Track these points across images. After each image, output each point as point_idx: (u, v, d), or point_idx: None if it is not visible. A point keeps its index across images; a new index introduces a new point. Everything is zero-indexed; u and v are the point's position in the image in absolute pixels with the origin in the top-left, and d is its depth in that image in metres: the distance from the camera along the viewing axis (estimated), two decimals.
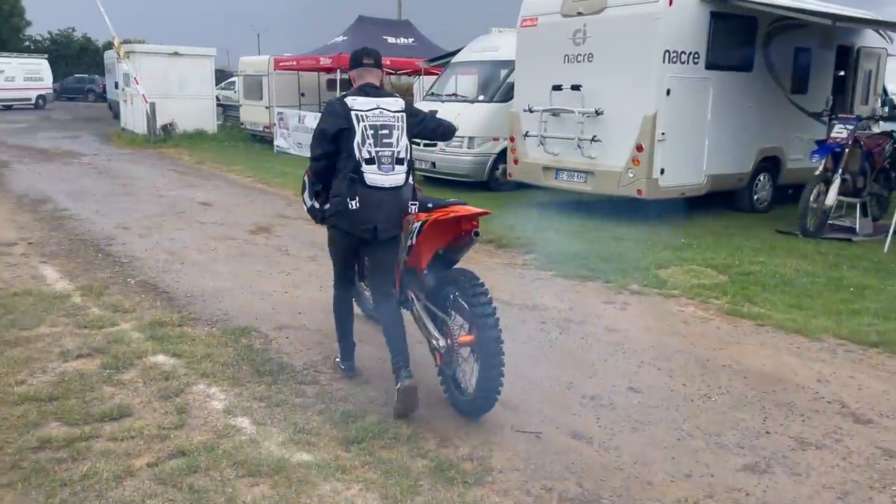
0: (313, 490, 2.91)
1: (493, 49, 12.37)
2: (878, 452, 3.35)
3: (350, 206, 3.63)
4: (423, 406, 3.66)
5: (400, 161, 3.70)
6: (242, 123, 21.23)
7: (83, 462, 3.06)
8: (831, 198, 8.18)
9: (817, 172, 8.34)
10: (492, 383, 3.44)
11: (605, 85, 8.80)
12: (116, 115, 25.49)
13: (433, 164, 11.83)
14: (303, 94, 19.44)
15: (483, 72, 12.45)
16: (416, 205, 3.77)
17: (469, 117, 11.60)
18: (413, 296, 3.91)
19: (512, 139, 10.27)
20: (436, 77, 15.20)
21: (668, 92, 8.42)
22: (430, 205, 3.82)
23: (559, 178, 9.62)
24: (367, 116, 3.65)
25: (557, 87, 9.25)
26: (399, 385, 3.53)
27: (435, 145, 11.73)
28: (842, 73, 10.78)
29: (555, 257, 7.10)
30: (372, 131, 3.64)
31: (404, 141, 3.74)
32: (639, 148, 8.50)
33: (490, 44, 12.58)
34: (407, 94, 25.92)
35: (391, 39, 17.75)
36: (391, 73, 19.23)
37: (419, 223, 3.70)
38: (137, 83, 20.14)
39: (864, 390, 4.06)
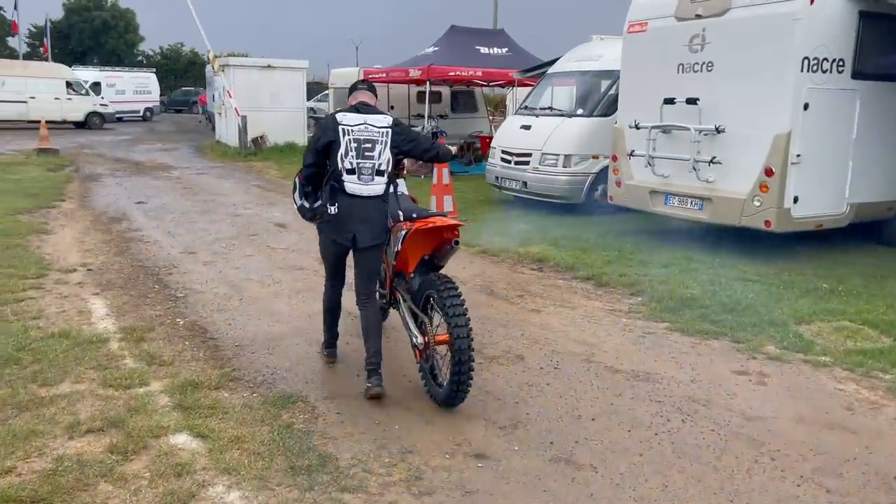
0: None
1: (594, 58, 11.26)
2: None
3: (329, 211, 4.05)
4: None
5: (380, 173, 4.05)
6: None
7: None
8: None
9: None
10: (463, 377, 3.79)
11: (727, 98, 7.57)
12: (214, 128, 25.95)
13: (524, 183, 10.83)
14: (391, 107, 18.86)
15: (582, 83, 11.36)
16: (400, 213, 4.21)
17: (565, 133, 10.55)
18: (400, 297, 4.37)
19: (615, 158, 9.14)
20: (530, 89, 14.26)
21: (806, 106, 7.10)
22: (414, 215, 4.16)
23: (669, 204, 8.42)
24: (352, 130, 4.02)
25: (670, 101, 8.07)
26: (367, 390, 4.03)
27: (527, 162, 10.77)
28: None
29: (667, 303, 5.96)
30: (355, 144, 4.01)
31: (386, 154, 4.05)
32: (768, 172, 7.22)
33: (591, 53, 11.48)
34: (499, 106, 25.09)
35: (484, 49, 16.91)
36: (483, 85, 18.40)
37: (405, 231, 4.10)
38: (231, 96, 20.20)
39: None
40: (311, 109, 26.72)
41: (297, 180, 4.32)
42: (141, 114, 38.45)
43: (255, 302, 5.97)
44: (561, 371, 4.56)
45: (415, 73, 15.64)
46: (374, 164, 4.02)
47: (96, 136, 26.16)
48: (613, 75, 10.60)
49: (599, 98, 10.68)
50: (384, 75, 17.21)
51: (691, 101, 7.83)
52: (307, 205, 4.26)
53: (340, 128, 4.03)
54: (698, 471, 3.33)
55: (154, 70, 44.61)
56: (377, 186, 4.04)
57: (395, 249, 4.26)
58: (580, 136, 10.48)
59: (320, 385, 4.23)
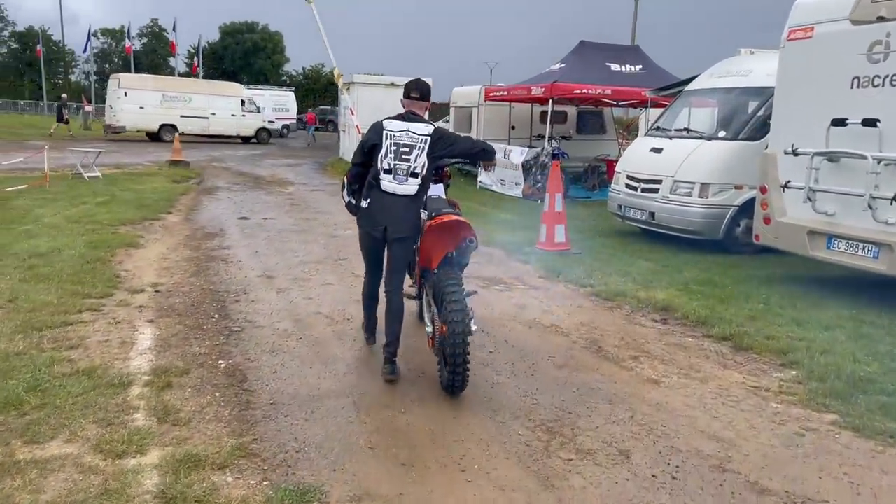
0: None
1: (741, 74, 9.74)
2: None
3: (363, 204, 4.52)
4: None
5: (414, 175, 4.39)
6: None
7: None
8: None
9: None
10: (457, 365, 4.08)
11: None
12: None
13: (651, 214, 9.46)
14: (513, 127, 17.94)
15: (726, 102, 9.85)
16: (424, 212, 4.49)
17: (703, 158, 9.11)
18: (425, 291, 4.70)
19: (763, 190, 7.63)
20: (663, 109, 12.84)
21: None
22: (433, 213, 4.42)
23: (833, 249, 6.82)
24: (394, 135, 4.41)
25: (839, 122, 6.54)
26: (384, 374, 4.46)
27: (655, 190, 9.40)
28: None
29: (833, 384, 4.52)
30: (395, 147, 4.38)
31: (422, 159, 4.39)
32: None
33: (738, 68, 9.95)
34: (629, 128, 23.43)
35: (615, 66, 15.59)
36: (612, 104, 17.02)
37: (426, 229, 4.40)
38: (353, 114, 20.04)
39: None
40: None
41: (345, 179, 4.79)
42: (279, 130, 39.87)
43: (313, 344, 5.12)
44: (681, 484, 3.31)
45: (537, 91, 14.60)
46: (410, 166, 4.41)
47: (230, 150, 27.06)
48: (765, 93, 9.07)
49: (747, 119, 9.15)
50: (506, 93, 16.29)
51: (869, 123, 6.26)
52: (353, 201, 4.75)
53: (384, 132, 4.46)
54: None
55: (293, 89, 46.36)
56: (410, 186, 4.43)
57: (417, 246, 4.63)
58: (721, 162, 9.00)
59: (350, 477, 3.24)
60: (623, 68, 15.58)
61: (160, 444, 3.44)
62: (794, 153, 6.97)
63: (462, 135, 4.75)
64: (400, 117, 4.54)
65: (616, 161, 17.23)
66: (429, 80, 17.66)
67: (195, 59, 47.28)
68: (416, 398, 4.19)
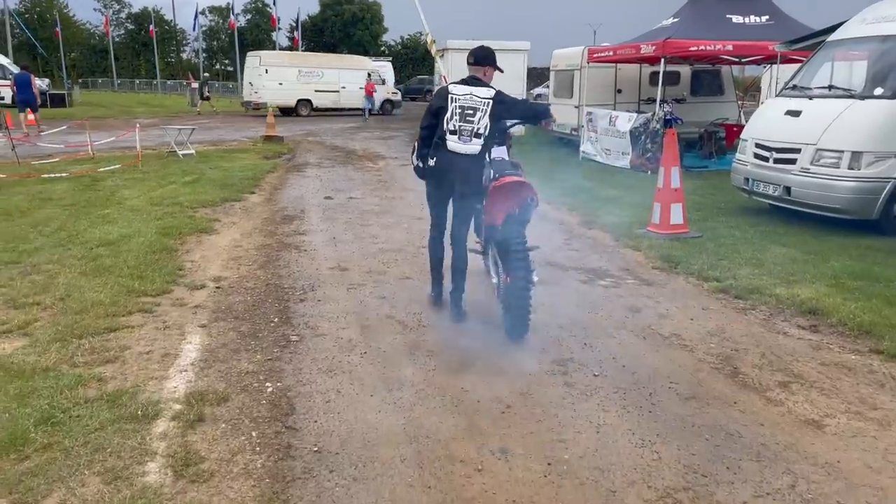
0: None
1: None
2: None
3: (430, 163, 4.85)
4: None
5: (478, 135, 4.69)
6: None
7: None
8: None
9: None
10: (521, 311, 4.45)
11: None
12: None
13: (786, 189, 8.03)
14: (619, 91, 16.45)
15: (884, 52, 8.18)
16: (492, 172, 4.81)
17: (854, 121, 7.58)
18: (491, 247, 5.11)
19: None
20: (798, 66, 11.16)
21: None
22: (497, 174, 4.77)
23: None
24: (458, 98, 4.71)
25: None
26: (452, 318, 4.95)
27: (793, 161, 7.96)
28: None
29: None
30: (459, 110, 4.70)
31: (485, 121, 4.68)
32: None
33: (893, 11, 8.23)
34: (748, 90, 21.20)
35: (737, 18, 13.79)
36: (734, 62, 15.19)
37: (490, 189, 4.73)
38: (446, 82, 19.10)
39: None
40: (538, 96, 24.98)
41: (416, 144, 5.05)
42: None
43: (379, 360, 4.29)
44: None
45: (647, 50, 13.10)
46: (474, 127, 4.67)
47: (327, 124, 26.81)
48: None
49: None
50: (611, 53, 14.83)
51: None
52: (421, 164, 5.00)
53: (450, 96, 4.72)
54: None
55: (391, 59, 45.85)
56: (474, 146, 4.70)
57: (484, 204, 4.87)
58: (878, 126, 7.45)
59: None
60: (746, 20, 13.77)
61: None
62: None
63: (520, 98, 5.19)
64: (464, 82, 4.84)
65: (736, 126, 15.49)
66: (526, 44, 16.50)
67: (295, 33, 47.57)
68: (496, 449, 3.28)
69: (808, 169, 7.80)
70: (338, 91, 31.64)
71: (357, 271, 6.32)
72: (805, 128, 7.97)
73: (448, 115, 4.71)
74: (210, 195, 9.97)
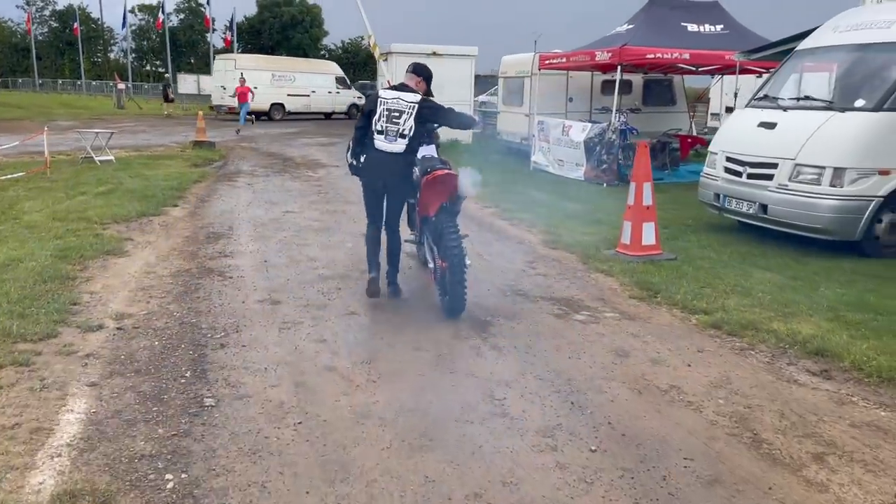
0: None
1: (880, 26, 7.57)
2: None
3: (361, 161, 5.38)
4: None
5: (403, 136, 5.14)
6: (499, 133, 18.27)
7: None
8: None
9: None
10: (458, 291, 4.95)
11: None
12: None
13: (762, 206, 7.46)
14: (570, 99, 15.87)
15: (859, 63, 7.71)
16: (416, 168, 5.36)
17: (835, 135, 7.06)
18: (426, 235, 5.59)
19: None
20: (761, 75, 10.78)
21: None
22: (428, 169, 5.20)
23: None
24: (387, 101, 5.18)
25: None
26: (389, 294, 5.51)
27: (768, 176, 7.40)
28: None
29: None
30: (387, 113, 5.15)
31: (410, 123, 5.12)
32: None
33: (873, 19, 7.78)
34: (699, 100, 20.99)
35: (692, 27, 13.39)
36: (690, 71, 14.78)
37: (422, 183, 5.20)
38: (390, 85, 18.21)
39: None
40: (482, 104, 24.32)
41: (350, 143, 5.50)
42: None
43: (318, 434, 3.36)
44: None
45: (603, 57, 12.52)
46: (399, 128, 5.14)
47: (262, 129, 25.48)
48: None
49: (894, 84, 7.03)
50: (564, 60, 14.23)
51: None
52: (354, 162, 5.49)
53: (379, 100, 5.24)
54: None
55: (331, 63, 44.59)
56: (399, 146, 5.16)
57: (418, 197, 5.39)
58: (861, 140, 6.95)
59: None
60: (701, 28, 13.38)
61: None
62: None
63: (446, 107, 5.41)
64: (394, 88, 5.34)
65: (690, 137, 15.12)
66: (473, 50, 15.73)
67: (228, 34, 45.85)
68: None
69: (786, 185, 7.23)
70: (308, 95, 31.66)
71: (291, 305, 5.35)
72: (781, 141, 7.41)
73: (377, 116, 5.18)
74: (125, 209, 8.80)
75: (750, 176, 7.67)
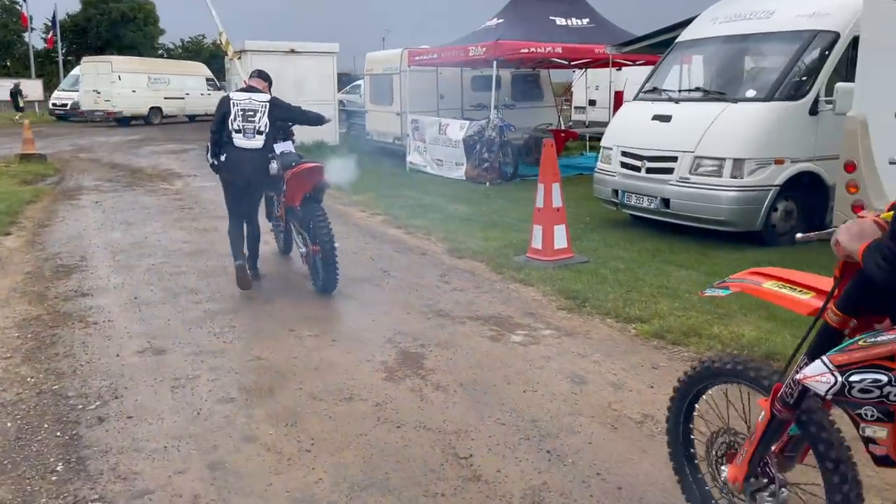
0: None
1: (760, 16, 7.68)
2: None
3: (222, 159, 5.66)
4: None
5: (260, 133, 5.59)
6: (368, 133, 17.54)
7: None
8: None
9: None
10: (331, 270, 5.53)
11: None
12: None
13: (665, 201, 7.35)
14: (441, 97, 15.46)
15: (745, 53, 7.82)
16: (278, 163, 5.71)
17: (733, 125, 7.05)
18: (293, 224, 6.07)
19: (851, 167, 5.63)
20: (619, 68, 10.88)
21: None
22: (293, 163, 5.73)
23: None
24: (239, 103, 5.60)
25: None
26: (250, 272, 5.88)
27: (668, 171, 7.30)
28: None
29: None
30: (241, 113, 5.57)
31: (265, 120, 5.60)
32: None
33: (754, 8, 7.87)
34: (566, 93, 21.28)
35: (560, 20, 13.40)
36: (563, 65, 14.80)
37: (288, 176, 5.69)
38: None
39: None
40: (341, 103, 23.41)
41: (209, 145, 5.81)
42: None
43: None
44: None
45: (477, 52, 12.17)
46: (255, 126, 5.59)
47: (102, 137, 23.09)
48: (800, 38, 7.17)
49: (783, 73, 7.12)
50: (435, 56, 13.77)
51: None
52: (215, 162, 5.77)
53: (232, 102, 5.63)
54: None
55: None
56: (257, 142, 5.60)
57: (283, 188, 5.84)
58: (757, 131, 6.97)
59: None
60: (569, 22, 13.42)
61: None
62: None
63: (293, 105, 6.00)
64: (242, 90, 5.76)
65: (563, 131, 15.17)
66: (335, 46, 14.84)
67: (50, 32, 41.55)
68: None
69: (688, 178, 7.15)
70: (183, 98, 30.35)
71: (180, 353, 4.43)
72: (679, 134, 7.33)
73: (232, 117, 5.58)
74: None
75: (649, 170, 7.55)
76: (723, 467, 2.36)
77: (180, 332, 4.82)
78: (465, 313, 5.24)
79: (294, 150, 6.25)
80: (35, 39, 48.39)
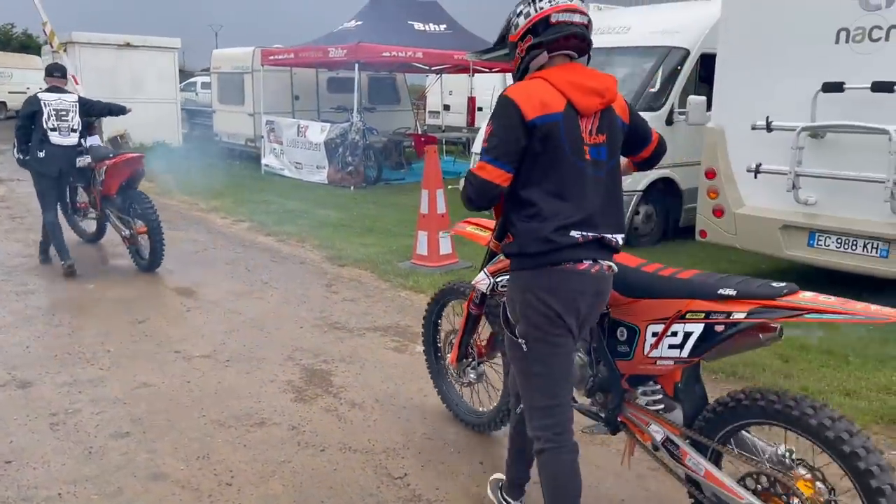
0: None
1: (617, 31, 8.20)
2: None
3: (39, 155, 6.06)
4: None
5: (74, 130, 6.18)
6: (217, 135, 16.64)
7: None
8: None
9: None
10: (158, 249, 6.18)
11: None
12: None
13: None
14: (297, 97, 15.02)
15: (607, 66, 8.24)
16: (89, 157, 6.35)
17: None
18: (110, 211, 6.51)
19: (711, 174, 6.11)
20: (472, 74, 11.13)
21: None
22: (111, 155, 6.41)
23: (817, 246, 5.50)
24: (51, 103, 6.08)
25: (834, 88, 5.13)
26: (64, 264, 6.15)
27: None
28: None
29: None
30: (55, 112, 6.07)
31: (77, 119, 6.19)
32: None
33: (610, 24, 8.37)
34: (419, 98, 21.37)
35: (418, 25, 13.44)
36: (423, 70, 14.85)
37: (105, 167, 6.29)
38: (77, 83, 15.44)
39: None
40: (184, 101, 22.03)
41: (15, 141, 6.27)
42: None
43: None
44: None
45: (337, 53, 11.91)
46: (70, 124, 6.15)
47: None
48: (655, 53, 7.72)
49: (642, 85, 7.61)
50: (291, 56, 13.33)
51: (883, 88, 4.91)
52: (23, 157, 6.22)
53: (42, 102, 6.09)
54: None
55: None
56: (72, 139, 6.18)
57: (101, 179, 6.37)
58: None
59: None
60: (427, 27, 13.50)
61: None
62: (769, 129, 5.47)
63: (96, 100, 6.63)
64: (50, 91, 6.23)
65: (423, 135, 15.24)
66: (176, 41, 13.92)
67: None
68: None
69: None
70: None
71: (50, 383, 3.89)
72: None
73: (45, 116, 6.02)
74: None
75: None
76: (448, 356, 3.42)
77: (45, 359, 4.26)
78: (363, 325, 5.09)
79: (102, 144, 7.16)
80: None
